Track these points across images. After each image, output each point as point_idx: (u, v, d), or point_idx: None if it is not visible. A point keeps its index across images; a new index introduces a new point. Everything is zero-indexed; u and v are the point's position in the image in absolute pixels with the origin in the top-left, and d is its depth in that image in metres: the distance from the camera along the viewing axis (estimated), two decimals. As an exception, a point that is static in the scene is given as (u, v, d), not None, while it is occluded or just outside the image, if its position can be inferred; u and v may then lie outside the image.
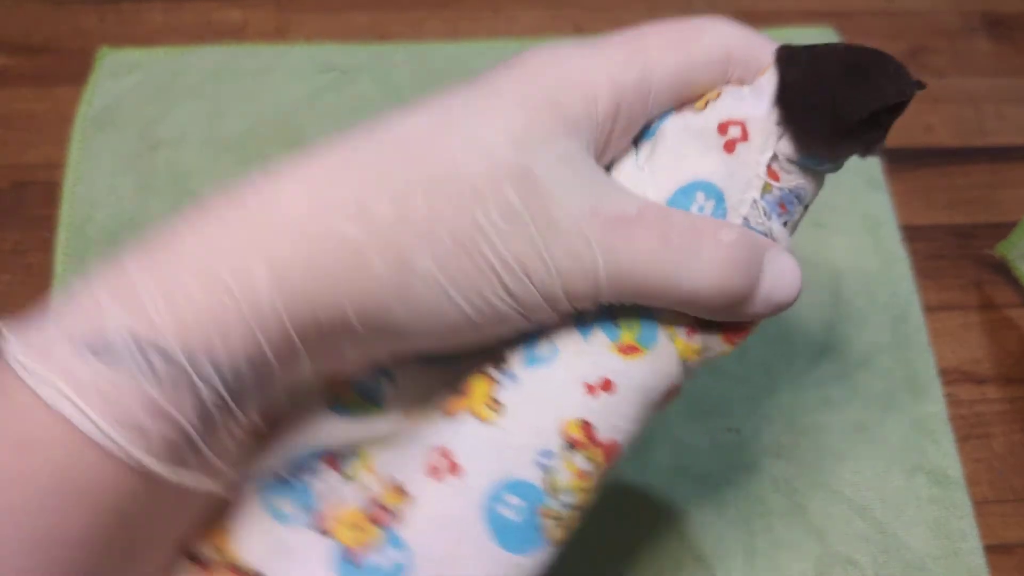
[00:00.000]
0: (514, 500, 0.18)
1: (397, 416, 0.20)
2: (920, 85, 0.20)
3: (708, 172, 0.19)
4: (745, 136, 0.19)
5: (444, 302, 0.17)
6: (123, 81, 0.41)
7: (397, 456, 0.19)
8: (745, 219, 0.19)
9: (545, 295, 0.17)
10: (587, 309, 0.18)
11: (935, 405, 0.35)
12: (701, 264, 0.18)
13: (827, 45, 0.19)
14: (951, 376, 0.36)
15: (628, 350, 0.19)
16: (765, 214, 0.19)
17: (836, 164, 0.21)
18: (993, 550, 0.32)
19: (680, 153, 0.19)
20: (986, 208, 0.40)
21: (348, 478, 0.19)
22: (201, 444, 0.15)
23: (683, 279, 0.18)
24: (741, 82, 0.20)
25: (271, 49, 0.42)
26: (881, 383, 0.35)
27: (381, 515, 0.18)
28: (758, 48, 0.20)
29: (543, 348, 0.19)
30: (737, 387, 0.35)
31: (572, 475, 0.18)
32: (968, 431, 0.35)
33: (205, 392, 0.15)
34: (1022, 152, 0.42)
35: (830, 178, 0.44)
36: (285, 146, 0.39)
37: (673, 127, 0.20)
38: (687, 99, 0.20)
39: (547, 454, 0.18)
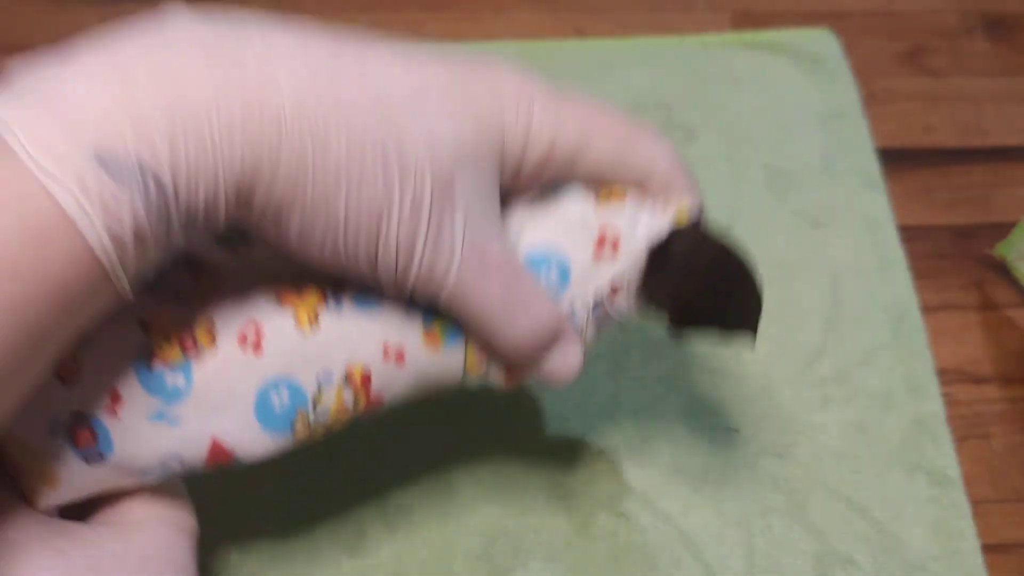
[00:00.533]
0: (285, 394, 0.22)
1: (249, 262, 0.23)
2: (754, 338, 0.24)
3: (570, 255, 0.23)
4: (614, 251, 0.23)
5: (328, 237, 0.19)
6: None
7: (227, 308, 0.22)
8: (572, 304, 0.23)
9: (399, 279, 0.20)
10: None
11: (934, 405, 0.35)
12: (514, 328, 0.22)
13: (722, 248, 0.23)
14: (950, 376, 0.36)
15: (432, 340, 0.23)
16: (588, 313, 0.23)
17: (652, 307, 0.24)
18: (992, 550, 0.32)
19: (563, 226, 0.23)
20: (985, 208, 0.41)
21: (187, 300, 0.22)
22: (155, 266, 0.18)
23: (496, 329, 0.22)
24: (651, 194, 0.23)
25: (272, 50, 0.42)
26: (880, 383, 0.35)
27: (189, 344, 0.21)
28: (680, 181, 0.23)
29: (373, 297, 0.22)
30: (736, 386, 0.35)
31: (336, 402, 0.22)
32: (967, 431, 0.35)
33: (176, 226, 0.17)
34: (1021, 152, 0.42)
35: (828, 179, 0.44)
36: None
37: (574, 202, 0.23)
38: (600, 183, 0.23)
39: (328, 377, 0.22)
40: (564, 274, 0.23)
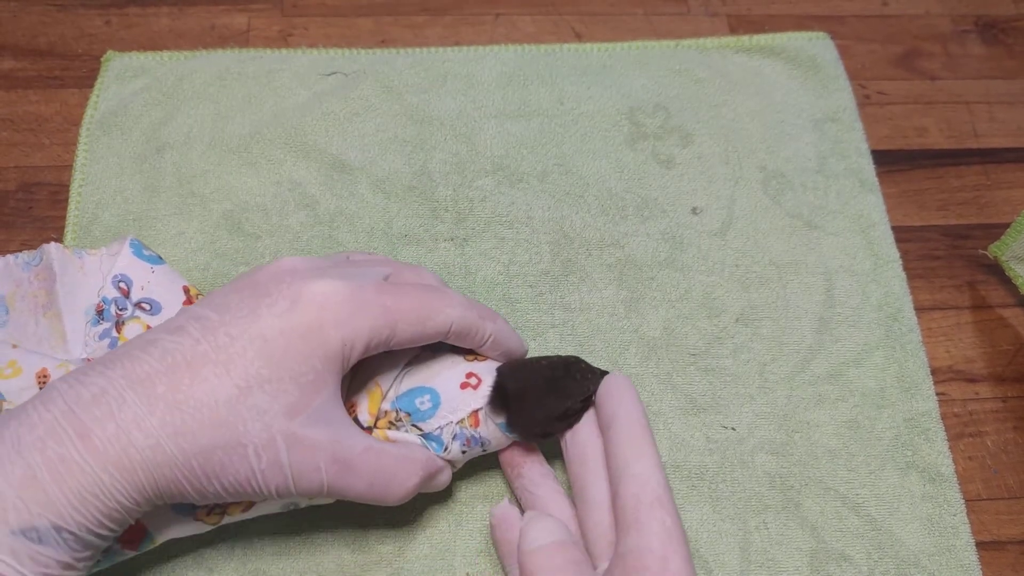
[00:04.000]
0: None
1: None
2: (603, 372, 0.30)
3: (442, 389, 0.29)
4: (476, 387, 0.29)
5: (214, 498, 0.26)
6: (129, 85, 0.41)
7: None
8: (440, 428, 0.29)
9: (283, 496, 0.27)
10: None
11: (927, 403, 0.35)
12: (390, 497, 0.28)
13: (535, 362, 0.30)
14: (944, 375, 0.37)
15: None
16: (453, 436, 0.29)
17: (524, 438, 0.30)
18: (986, 547, 0.33)
19: (439, 369, 0.30)
20: (978, 209, 0.41)
21: None
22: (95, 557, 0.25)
23: (377, 501, 0.28)
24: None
25: (275, 54, 0.43)
26: (874, 382, 0.35)
27: None
28: (475, 329, 0.29)
29: None
30: (732, 385, 0.35)
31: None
32: (961, 429, 0.35)
33: (89, 554, 0.24)
34: (1014, 154, 0.43)
35: (823, 181, 0.44)
36: (289, 149, 0.40)
37: (449, 358, 0.30)
38: (419, 343, 0.29)
39: None
40: (434, 400, 0.29)
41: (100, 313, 0.31)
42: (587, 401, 0.30)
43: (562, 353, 0.35)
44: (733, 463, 0.33)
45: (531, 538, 0.27)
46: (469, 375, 0.30)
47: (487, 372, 0.30)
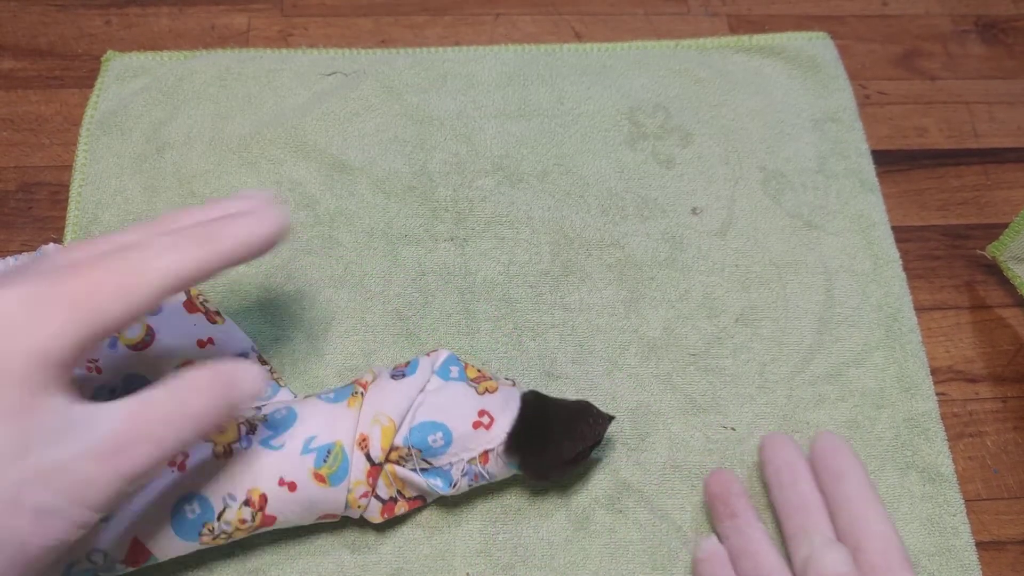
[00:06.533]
0: (196, 507, 0.27)
1: None
2: (610, 417, 0.31)
3: (454, 427, 0.29)
4: (488, 427, 0.30)
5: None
6: (129, 85, 0.41)
7: None
8: (451, 464, 0.30)
9: (84, 528, 0.23)
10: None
11: (927, 403, 0.35)
12: (184, 436, 0.24)
13: (553, 403, 0.31)
14: (944, 375, 0.37)
15: (319, 478, 0.28)
16: (463, 473, 0.30)
17: (532, 480, 0.32)
18: (986, 547, 0.33)
19: (452, 405, 0.30)
20: (978, 209, 0.41)
21: None
22: None
23: (184, 444, 0.24)
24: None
25: (275, 54, 0.43)
26: (874, 382, 0.35)
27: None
28: (204, 266, 0.24)
29: (277, 440, 0.29)
30: (731, 385, 0.35)
31: (236, 517, 0.28)
32: (961, 429, 0.35)
33: None
34: (1014, 154, 0.43)
35: (823, 181, 0.44)
36: (289, 149, 0.40)
37: (457, 387, 0.30)
38: (478, 379, 0.31)
39: (232, 497, 0.28)
40: (447, 438, 0.29)
41: None
42: (596, 445, 0.31)
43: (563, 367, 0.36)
44: (733, 463, 0.33)
45: (828, 563, 0.28)
46: (481, 413, 0.30)
47: (499, 409, 0.30)
